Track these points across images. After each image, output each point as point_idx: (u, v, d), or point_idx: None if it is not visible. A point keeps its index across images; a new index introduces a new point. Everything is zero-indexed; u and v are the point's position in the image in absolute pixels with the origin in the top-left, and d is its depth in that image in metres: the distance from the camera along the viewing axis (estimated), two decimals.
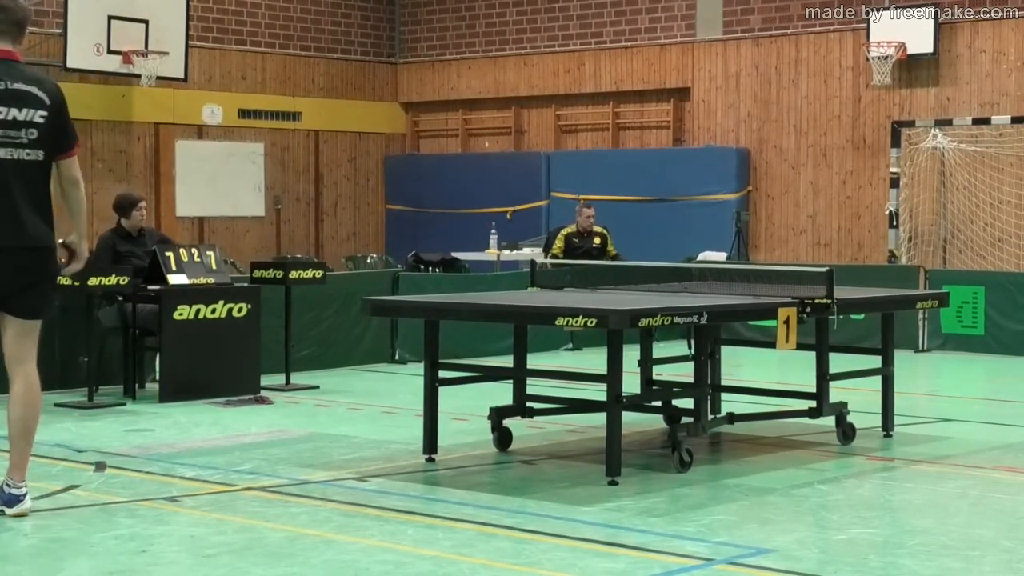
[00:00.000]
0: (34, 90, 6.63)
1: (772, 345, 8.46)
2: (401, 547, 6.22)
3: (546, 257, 16.05)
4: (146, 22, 18.52)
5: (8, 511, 6.57)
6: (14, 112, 6.56)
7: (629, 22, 20.73)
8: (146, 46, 18.47)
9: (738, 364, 12.46)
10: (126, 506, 7.00)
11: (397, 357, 13.44)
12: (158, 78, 18.71)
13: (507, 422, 8.69)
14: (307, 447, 8.81)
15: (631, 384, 8.12)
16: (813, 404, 8.91)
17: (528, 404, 8.73)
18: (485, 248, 18.49)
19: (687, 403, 8.44)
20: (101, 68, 18.47)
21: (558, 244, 15.75)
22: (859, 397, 9.70)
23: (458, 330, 11.67)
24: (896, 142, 18.06)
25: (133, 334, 11.15)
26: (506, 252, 18.24)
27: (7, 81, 6.57)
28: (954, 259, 18.01)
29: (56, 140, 6.69)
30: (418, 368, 8.84)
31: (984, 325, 14.70)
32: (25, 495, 6.62)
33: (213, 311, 11.03)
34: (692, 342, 8.59)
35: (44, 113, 6.64)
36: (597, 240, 16.04)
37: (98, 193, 19.52)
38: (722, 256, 17.77)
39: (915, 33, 17.98)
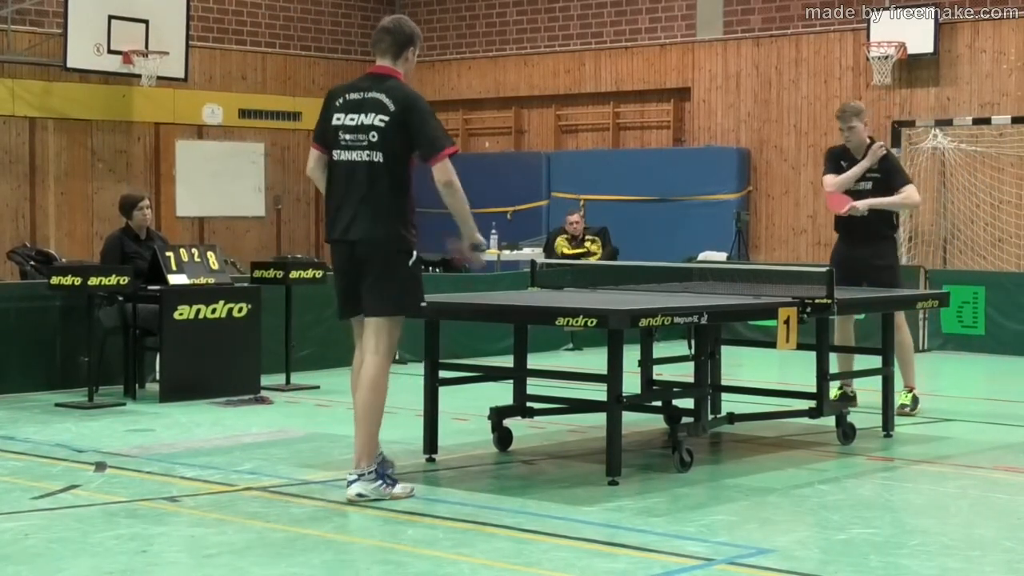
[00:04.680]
0: (381, 97, 7.08)
1: (772, 345, 8.46)
2: (401, 547, 6.22)
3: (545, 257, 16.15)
4: (146, 22, 18.51)
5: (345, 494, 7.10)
6: (362, 118, 7.09)
7: (629, 22, 20.73)
8: (146, 46, 18.47)
9: (738, 364, 12.46)
10: (126, 506, 7.00)
11: (397, 357, 13.34)
12: (158, 78, 18.71)
13: (507, 422, 8.69)
14: (307, 447, 8.81)
15: (631, 384, 8.12)
16: (813, 404, 8.91)
17: (528, 404, 8.73)
18: (485, 248, 18.47)
19: (687, 403, 8.44)
20: (101, 68, 18.47)
21: (558, 252, 16.07)
22: (859, 397, 9.71)
23: (458, 330, 11.67)
24: (896, 142, 18.05)
25: (133, 334, 11.16)
26: (506, 252, 18.24)
27: (365, 92, 7.14)
28: (954, 259, 18.01)
29: (403, 144, 7.04)
30: (418, 368, 8.83)
31: (984, 325, 14.70)
32: (354, 481, 7.09)
33: (213, 311, 11.03)
34: (692, 342, 8.59)
35: (385, 118, 7.04)
36: (589, 245, 16.19)
37: (98, 193, 19.58)
38: (722, 256, 17.76)
39: (915, 33, 17.97)
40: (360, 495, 7.06)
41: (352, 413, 7.27)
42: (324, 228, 7.46)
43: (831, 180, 10.33)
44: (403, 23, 7.33)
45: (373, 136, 7.07)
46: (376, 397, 7.12)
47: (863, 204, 10.16)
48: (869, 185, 10.25)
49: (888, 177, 10.28)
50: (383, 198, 7.08)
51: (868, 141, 10.34)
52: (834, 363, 10.15)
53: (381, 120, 7.06)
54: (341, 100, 7.21)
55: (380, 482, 7.12)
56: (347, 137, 7.14)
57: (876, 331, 9.84)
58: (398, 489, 7.17)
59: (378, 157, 7.07)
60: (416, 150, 7.09)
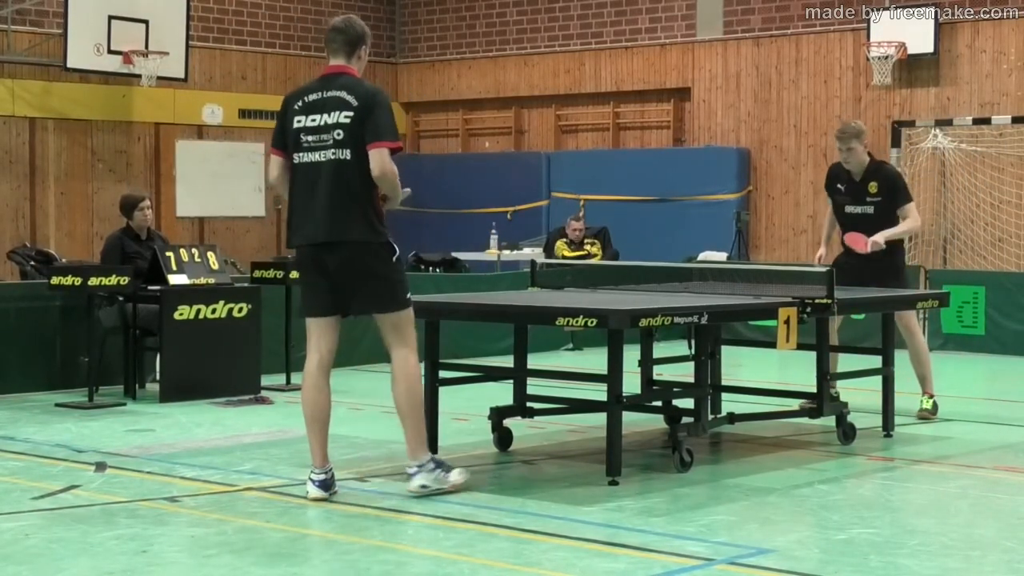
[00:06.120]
0: (343, 94, 7.02)
1: (772, 345, 8.46)
2: (401, 547, 6.22)
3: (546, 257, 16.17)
4: (146, 22, 18.52)
5: (407, 487, 7.19)
6: (325, 118, 7.02)
7: (629, 22, 20.73)
8: (146, 46, 18.47)
9: (738, 364, 12.46)
10: (126, 506, 7.00)
11: None
12: (158, 78, 18.71)
13: (507, 422, 8.69)
14: (307, 447, 8.77)
15: (631, 384, 8.12)
16: (813, 404, 8.90)
17: (528, 404, 8.73)
18: (485, 248, 18.48)
19: (687, 403, 8.44)
20: (101, 68, 18.47)
21: (558, 255, 16.08)
22: (859, 397, 9.70)
23: (458, 330, 11.67)
24: (896, 142, 18.07)
25: (133, 334, 11.16)
26: (506, 252, 18.24)
27: (324, 91, 7.08)
28: (954, 259, 18.02)
29: (362, 138, 6.96)
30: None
31: (984, 325, 14.71)
32: (415, 473, 7.16)
33: (213, 311, 11.03)
34: (692, 342, 8.59)
35: (350, 114, 6.97)
36: (589, 248, 16.21)
37: (98, 193, 19.58)
38: (722, 256, 17.77)
39: (915, 33, 17.98)
40: (423, 486, 7.14)
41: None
42: (289, 231, 7.24)
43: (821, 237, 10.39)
44: (354, 21, 7.28)
45: (339, 134, 6.98)
46: (419, 387, 7.22)
47: (880, 238, 9.95)
48: (871, 209, 10.00)
49: (890, 199, 10.00)
50: (355, 195, 7.00)
51: (867, 160, 10.15)
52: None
53: (346, 117, 6.97)
54: (300, 103, 7.12)
55: (438, 471, 7.20)
56: (309, 139, 7.06)
57: (876, 331, 9.83)
58: (454, 475, 7.26)
59: (346, 154, 6.98)
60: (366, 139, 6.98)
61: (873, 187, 10.05)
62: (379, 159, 6.94)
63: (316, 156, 7.05)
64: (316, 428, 7.27)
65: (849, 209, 10.11)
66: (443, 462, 7.33)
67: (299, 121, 7.10)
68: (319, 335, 7.25)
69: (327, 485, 7.17)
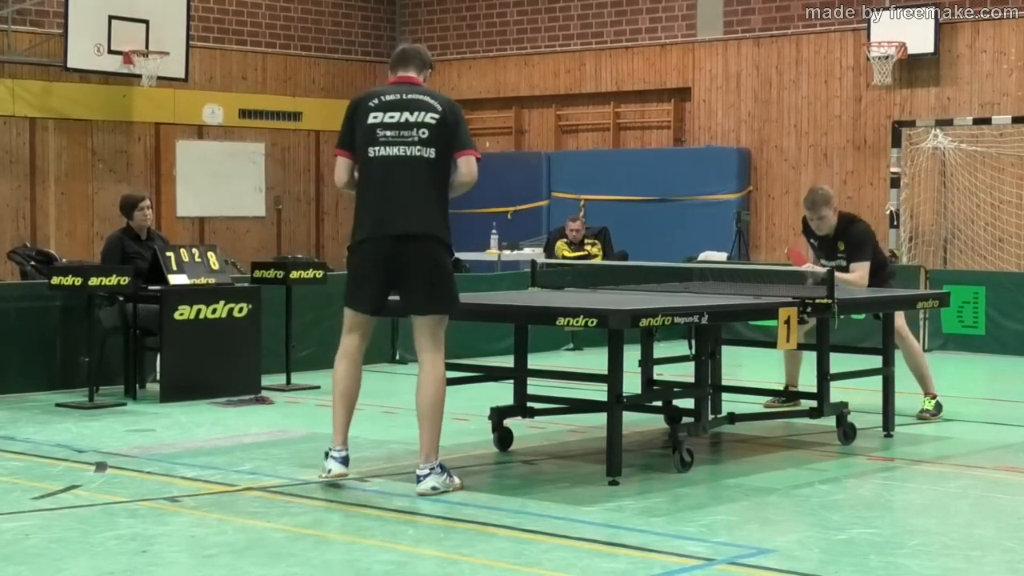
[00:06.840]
0: (426, 98, 7.33)
1: (772, 345, 8.46)
2: (401, 547, 6.22)
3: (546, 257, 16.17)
4: (147, 22, 18.52)
5: (417, 489, 7.22)
6: (407, 116, 7.26)
7: (630, 22, 20.73)
8: (147, 46, 18.47)
9: (738, 364, 12.46)
10: (127, 506, 7.00)
11: (397, 357, 13.44)
12: (159, 78, 18.71)
13: (508, 422, 8.69)
14: (307, 447, 8.80)
15: (632, 384, 8.12)
16: (814, 404, 8.91)
17: (529, 404, 8.73)
18: (486, 248, 18.48)
19: (688, 403, 8.44)
20: (102, 68, 18.47)
21: (559, 255, 16.08)
22: (860, 397, 9.70)
23: (458, 330, 11.65)
24: (897, 142, 18.06)
25: (134, 334, 11.16)
26: (507, 252, 18.24)
27: (403, 93, 7.35)
28: (955, 259, 18.01)
29: (448, 141, 7.27)
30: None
31: (985, 325, 14.70)
32: (426, 475, 7.21)
33: (214, 311, 11.03)
34: (693, 342, 8.59)
35: (436, 116, 7.27)
36: (589, 248, 16.21)
37: (99, 193, 19.58)
38: (723, 256, 17.77)
39: (916, 33, 17.97)
40: (434, 488, 7.22)
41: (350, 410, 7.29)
42: (358, 226, 7.34)
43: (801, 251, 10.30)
44: (424, 49, 7.73)
45: (423, 133, 7.23)
46: (443, 392, 7.31)
47: (821, 271, 10.02)
48: (844, 263, 10.01)
49: (850, 253, 10.03)
50: (435, 192, 7.28)
51: (835, 221, 10.05)
52: (782, 363, 10.20)
53: (432, 118, 7.25)
54: (376, 100, 7.33)
55: (445, 475, 7.30)
56: (387, 134, 7.25)
57: (876, 331, 9.83)
58: (456, 478, 7.39)
59: (430, 153, 7.24)
60: (452, 144, 7.28)
61: (841, 246, 10.10)
62: (470, 166, 7.32)
63: (395, 151, 7.25)
64: (345, 404, 7.43)
65: (824, 261, 10.16)
66: (443, 464, 7.37)
67: (375, 117, 7.29)
68: (360, 323, 7.51)
69: (347, 462, 7.33)
